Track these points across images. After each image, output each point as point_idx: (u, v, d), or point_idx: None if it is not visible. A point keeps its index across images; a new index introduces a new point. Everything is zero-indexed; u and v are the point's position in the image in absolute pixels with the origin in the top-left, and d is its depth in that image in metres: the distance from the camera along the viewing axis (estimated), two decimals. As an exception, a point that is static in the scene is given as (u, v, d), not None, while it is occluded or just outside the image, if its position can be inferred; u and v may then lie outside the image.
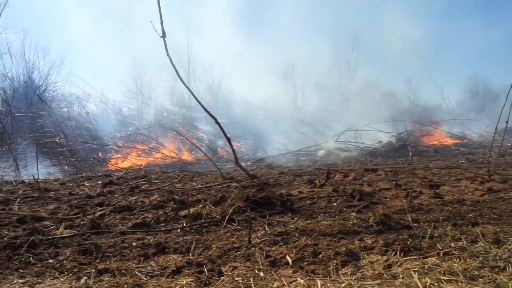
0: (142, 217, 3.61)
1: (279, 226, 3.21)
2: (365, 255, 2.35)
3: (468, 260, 2.09)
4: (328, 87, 20.48)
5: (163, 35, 5.24)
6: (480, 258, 2.13)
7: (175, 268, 2.23)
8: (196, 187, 5.60)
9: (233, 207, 3.61)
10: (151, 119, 14.83)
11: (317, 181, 5.41)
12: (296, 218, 3.41)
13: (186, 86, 5.90)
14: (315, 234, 2.75)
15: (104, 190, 5.33)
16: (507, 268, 1.94)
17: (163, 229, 3.29)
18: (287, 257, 2.35)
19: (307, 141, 13.64)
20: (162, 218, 3.61)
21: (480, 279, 1.80)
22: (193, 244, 2.75)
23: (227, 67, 24.38)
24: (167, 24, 5.32)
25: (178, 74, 5.59)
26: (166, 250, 2.68)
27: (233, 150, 5.94)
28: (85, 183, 6.54)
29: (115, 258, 2.52)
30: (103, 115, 15.53)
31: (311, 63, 22.69)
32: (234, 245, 2.71)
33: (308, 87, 24.29)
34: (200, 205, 3.95)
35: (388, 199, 4.19)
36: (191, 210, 3.64)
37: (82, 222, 3.48)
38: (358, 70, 25.26)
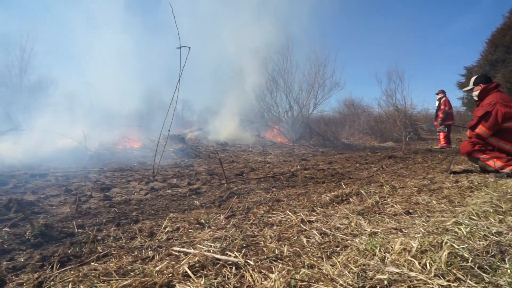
0: None
1: None
2: (13, 277, 1.99)
3: (124, 257, 2.23)
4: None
5: None
6: (136, 253, 2.32)
7: None
8: None
9: None
10: None
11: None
12: None
13: None
14: None
15: None
16: (154, 257, 2.22)
17: None
18: None
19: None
20: None
21: (132, 273, 1.95)
22: None
23: None
24: None
25: None
26: None
27: None
28: None
29: None
30: None
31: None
32: None
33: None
34: None
35: (54, 207, 3.84)
36: None
37: None
38: (35, 62, 21.60)
